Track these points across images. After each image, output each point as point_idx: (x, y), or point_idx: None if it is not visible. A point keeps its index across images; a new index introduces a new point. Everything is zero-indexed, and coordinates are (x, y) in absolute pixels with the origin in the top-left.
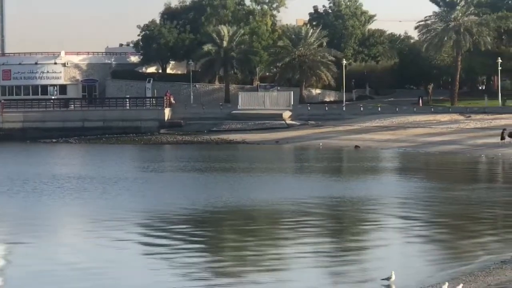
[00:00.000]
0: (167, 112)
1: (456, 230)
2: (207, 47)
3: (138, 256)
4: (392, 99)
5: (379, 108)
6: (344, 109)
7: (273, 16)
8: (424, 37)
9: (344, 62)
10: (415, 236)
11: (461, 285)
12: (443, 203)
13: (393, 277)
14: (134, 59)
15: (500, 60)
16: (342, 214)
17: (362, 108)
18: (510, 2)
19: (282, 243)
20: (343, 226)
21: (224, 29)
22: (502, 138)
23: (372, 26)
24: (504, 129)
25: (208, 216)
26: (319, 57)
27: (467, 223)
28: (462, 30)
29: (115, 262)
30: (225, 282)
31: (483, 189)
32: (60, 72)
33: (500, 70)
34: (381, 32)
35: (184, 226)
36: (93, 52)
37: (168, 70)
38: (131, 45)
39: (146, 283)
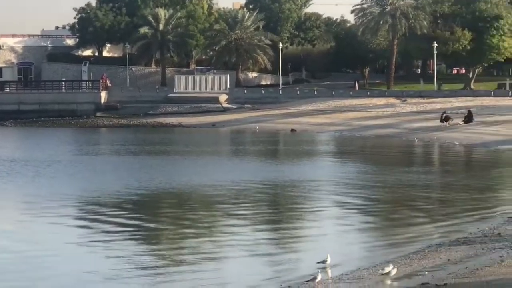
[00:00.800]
0: (103, 95)
1: (391, 214)
2: (143, 30)
3: (70, 240)
4: (328, 82)
5: (316, 92)
6: (280, 92)
7: None
8: (360, 21)
9: (281, 45)
10: (351, 220)
11: (395, 268)
12: (379, 187)
13: (329, 260)
14: (70, 42)
15: (435, 44)
16: (278, 199)
17: (298, 92)
18: None
19: (217, 230)
20: (278, 211)
21: (161, 12)
22: (442, 121)
23: (309, 9)
24: (444, 112)
25: (141, 200)
26: (255, 40)
27: (402, 207)
28: (398, 14)
29: (46, 246)
30: (160, 268)
31: (418, 172)
32: None
33: (436, 54)
34: (318, 16)
35: (117, 210)
36: (29, 35)
37: (105, 53)
38: (67, 28)
39: (77, 268)
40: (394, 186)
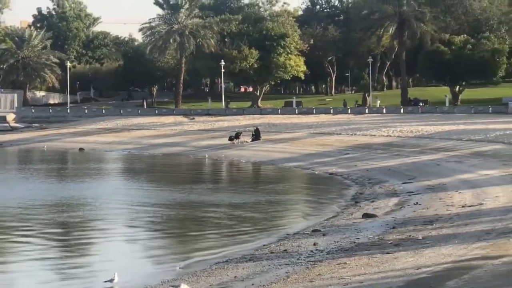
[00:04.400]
0: None
1: (180, 231)
2: None
3: None
4: (114, 102)
5: (104, 111)
6: (68, 111)
7: None
8: (148, 39)
9: (69, 64)
10: (139, 238)
11: (186, 285)
12: (167, 205)
13: (116, 279)
14: None
15: (223, 63)
16: (64, 218)
17: (86, 111)
18: (232, 5)
19: None
20: (65, 230)
21: None
22: (230, 139)
23: (97, 28)
24: (239, 133)
25: None
26: (43, 59)
27: (190, 224)
28: (186, 33)
29: None
30: None
31: (207, 190)
32: None
33: (223, 72)
34: (106, 34)
35: None
36: None
37: None
38: None
39: None
40: (183, 204)
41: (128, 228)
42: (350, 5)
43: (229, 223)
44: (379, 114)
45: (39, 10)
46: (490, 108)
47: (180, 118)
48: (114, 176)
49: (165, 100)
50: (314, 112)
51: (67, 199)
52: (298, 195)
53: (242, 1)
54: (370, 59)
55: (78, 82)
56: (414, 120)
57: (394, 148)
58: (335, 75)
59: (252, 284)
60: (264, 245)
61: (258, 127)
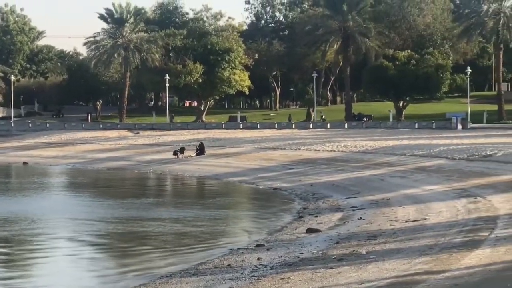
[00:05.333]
0: None
1: (123, 247)
2: None
3: None
4: (60, 115)
5: (48, 125)
6: (12, 125)
7: None
8: (93, 53)
9: (13, 78)
10: (82, 254)
11: None
12: (111, 220)
13: None
14: None
15: (167, 77)
16: (2, 233)
17: (30, 125)
18: (177, 20)
19: None
20: (3, 246)
21: None
22: (175, 153)
23: (42, 42)
24: (183, 148)
25: None
26: None
27: (133, 240)
28: (131, 47)
29: None
30: None
31: (151, 204)
32: None
33: (168, 87)
34: (50, 48)
35: None
36: None
37: None
38: None
39: None
40: (126, 219)
41: (69, 243)
42: (295, 20)
43: (173, 238)
44: (323, 129)
45: None
46: (434, 124)
47: (124, 133)
48: (57, 191)
49: (109, 114)
50: (258, 127)
51: (7, 213)
52: (242, 210)
53: (187, 16)
54: (314, 74)
55: (22, 96)
56: (358, 135)
57: (338, 163)
58: (279, 90)
59: None
60: (208, 260)
61: (203, 141)
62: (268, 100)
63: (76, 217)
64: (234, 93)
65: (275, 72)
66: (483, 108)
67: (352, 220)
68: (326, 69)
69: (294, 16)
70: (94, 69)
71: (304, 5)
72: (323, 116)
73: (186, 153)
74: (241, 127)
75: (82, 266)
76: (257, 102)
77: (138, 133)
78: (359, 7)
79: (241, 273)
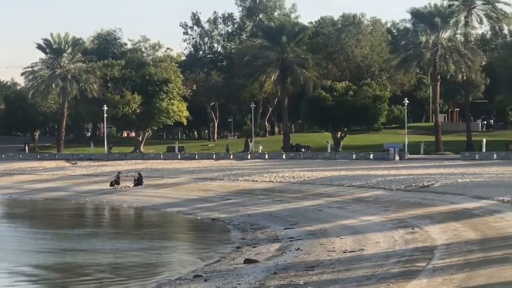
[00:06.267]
0: None
1: (53, 276)
2: None
3: None
4: None
5: None
6: None
7: None
8: (31, 83)
9: None
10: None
11: None
12: (48, 252)
13: None
14: None
15: (105, 108)
16: None
17: None
18: (115, 50)
19: None
20: None
21: None
22: (111, 184)
23: None
24: (119, 173)
25: None
26: None
27: (70, 272)
28: (69, 77)
29: None
30: None
31: (88, 235)
32: None
33: (106, 117)
34: None
35: None
36: None
37: None
38: None
39: None
40: (59, 250)
41: (6, 276)
42: (233, 51)
43: (108, 269)
44: (261, 160)
45: None
46: (372, 154)
47: (62, 163)
48: None
49: (47, 144)
50: (196, 157)
51: None
52: (180, 241)
53: (125, 46)
54: (252, 105)
55: None
56: (296, 165)
57: (276, 193)
58: (217, 120)
59: None
60: None
61: (141, 172)
62: (206, 131)
63: (8, 248)
64: (172, 123)
65: (213, 103)
66: (421, 139)
67: (289, 250)
68: (264, 100)
69: (232, 47)
70: (32, 99)
71: (243, 36)
72: (261, 147)
73: (124, 184)
74: (179, 157)
75: None
76: (195, 132)
77: (76, 163)
78: (298, 38)
79: None
